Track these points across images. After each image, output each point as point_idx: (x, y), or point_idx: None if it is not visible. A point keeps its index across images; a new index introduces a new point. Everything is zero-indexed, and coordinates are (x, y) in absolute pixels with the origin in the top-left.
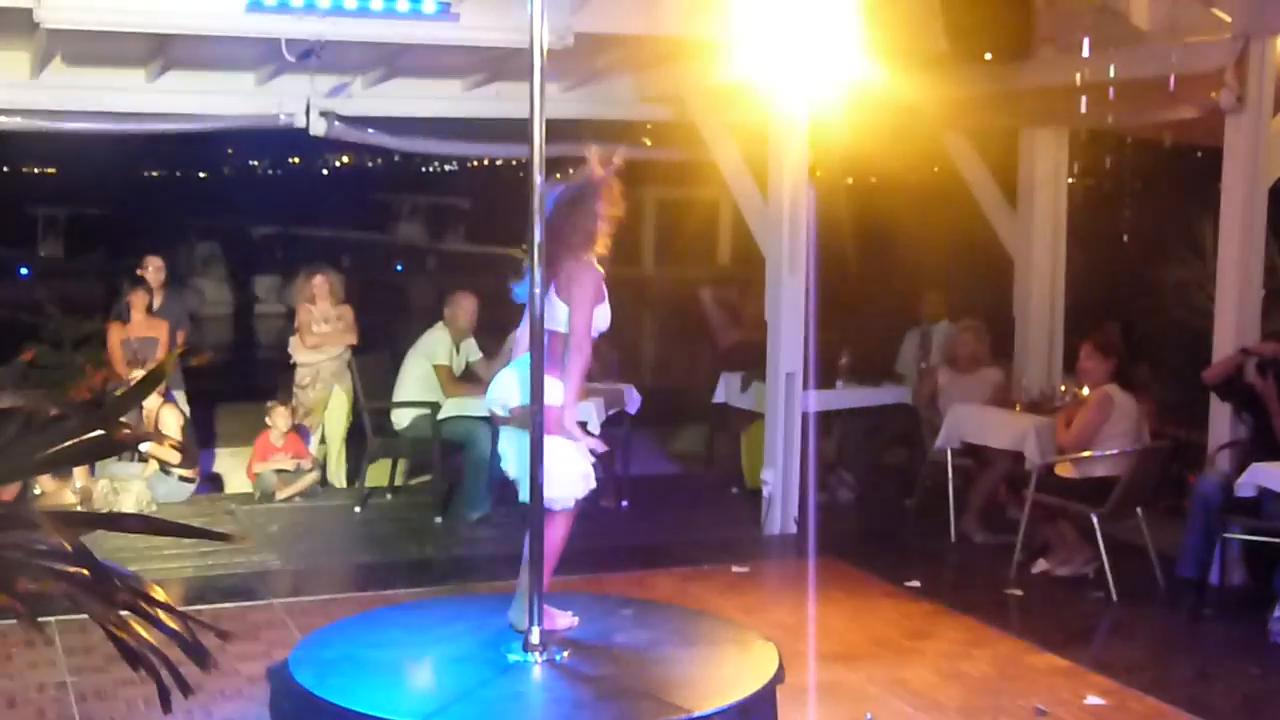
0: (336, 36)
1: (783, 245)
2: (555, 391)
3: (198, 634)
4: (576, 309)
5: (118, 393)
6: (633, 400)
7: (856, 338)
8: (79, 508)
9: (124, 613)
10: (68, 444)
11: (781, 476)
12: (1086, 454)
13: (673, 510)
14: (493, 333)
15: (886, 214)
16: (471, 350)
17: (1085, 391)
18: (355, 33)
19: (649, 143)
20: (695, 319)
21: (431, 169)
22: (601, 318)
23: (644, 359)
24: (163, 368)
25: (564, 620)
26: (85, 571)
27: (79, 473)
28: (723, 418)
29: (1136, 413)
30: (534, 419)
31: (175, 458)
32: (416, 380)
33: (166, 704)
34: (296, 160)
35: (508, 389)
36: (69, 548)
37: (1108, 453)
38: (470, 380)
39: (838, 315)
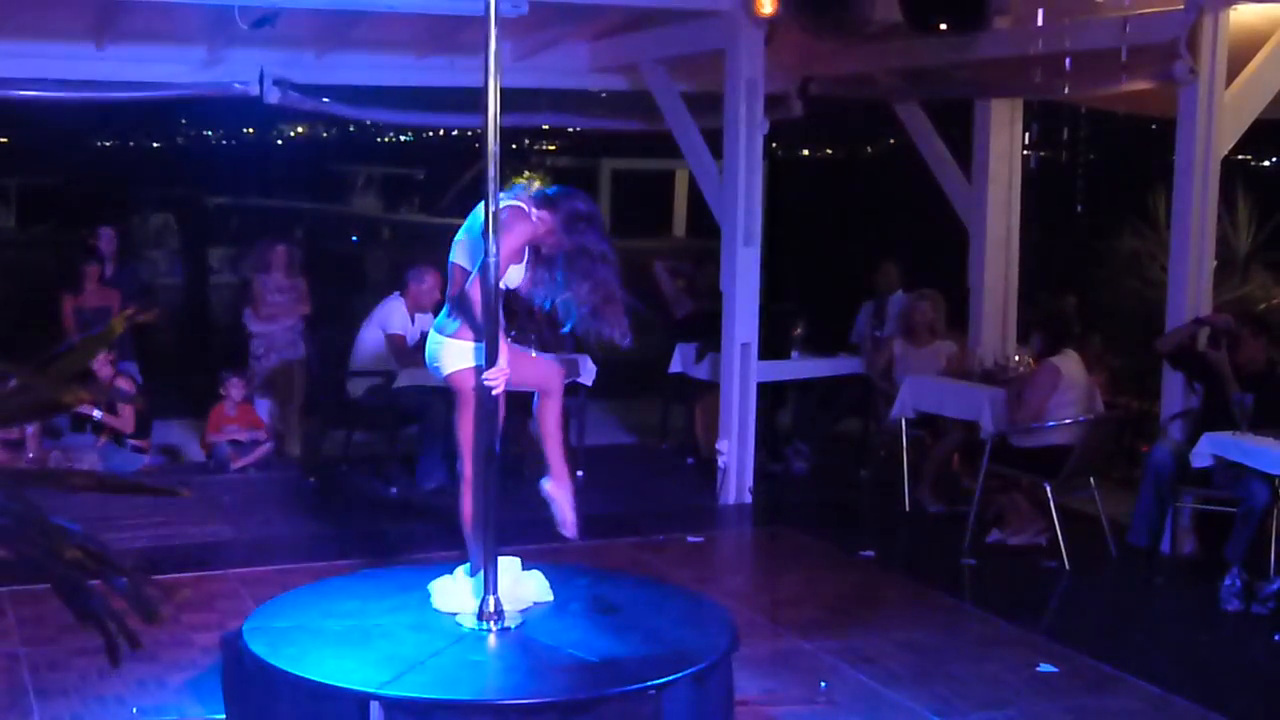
0: (290, 4)
1: (738, 217)
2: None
3: (146, 589)
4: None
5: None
6: (588, 371)
7: (811, 309)
8: None
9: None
10: (12, 403)
11: (736, 447)
12: (1038, 426)
13: (628, 481)
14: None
15: (841, 187)
16: (428, 320)
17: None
18: (309, 0)
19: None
20: (650, 290)
21: (386, 139)
22: (512, 275)
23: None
24: (111, 328)
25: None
26: (33, 528)
27: (31, 443)
28: (678, 388)
29: (1086, 381)
30: (480, 390)
31: (128, 427)
32: (371, 350)
33: (115, 658)
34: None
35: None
36: (15, 505)
37: (1061, 423)
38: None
39: (793, 286)
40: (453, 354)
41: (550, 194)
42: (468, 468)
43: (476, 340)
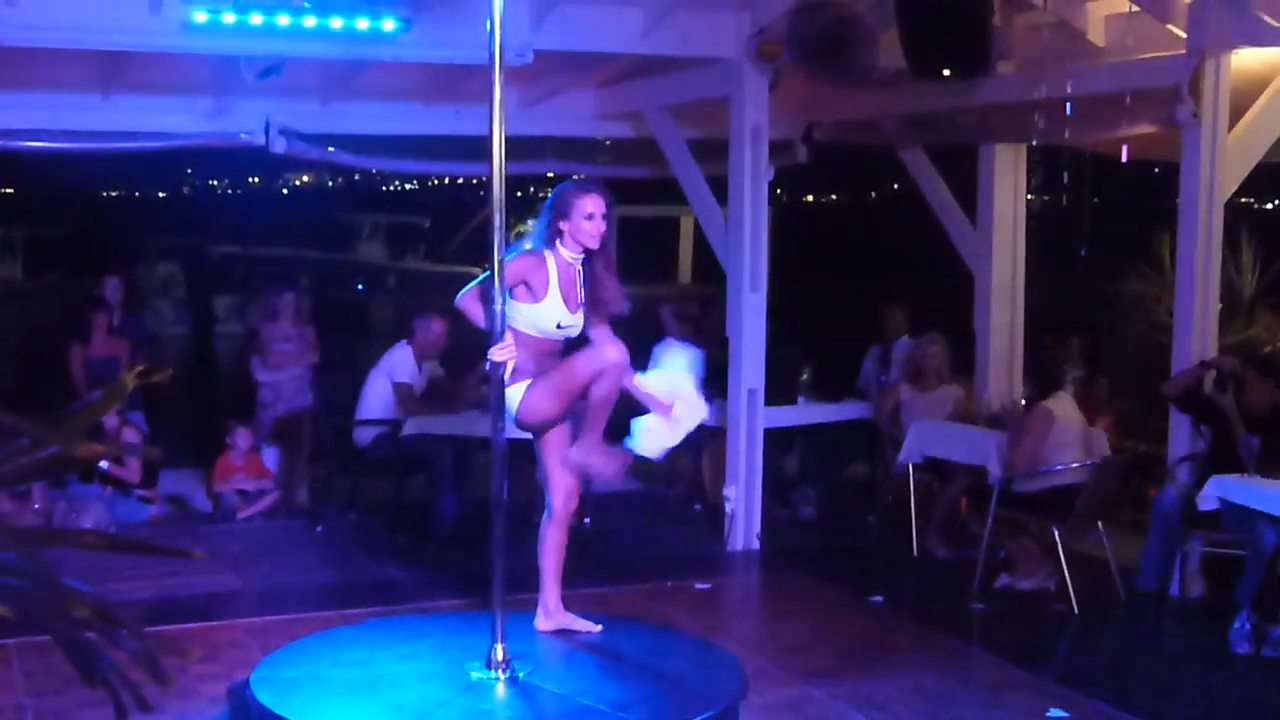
0: (295, 54)
1: (743, 262)
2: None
3: (157, 652)
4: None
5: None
6: None
7: (817, 354)
8: None
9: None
10: (24, 460)
11: (744, 492)
12: (1043, 470)
13: (635, 527)
14: (455, 350)
15: (847, 232)
16: (434, 368)
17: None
18: (314, 50)
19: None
20: (656, 335)
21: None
22: (543, 314)
23: None
24: (122, 384)
25: (583, 625)
26: (44, 589)
27: (38, 493)
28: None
29: (1082, 423)
30: (494, 438)
31: (135, 477)
32: (379, 398)
33: (122, 718)
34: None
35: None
36: (27, 564)
37: (1061, 467)
38: (434, 398)
39: (799, 331)
40: (513, 398)
41: (579, 181)
42: (556, 503)
43: (532, 376)
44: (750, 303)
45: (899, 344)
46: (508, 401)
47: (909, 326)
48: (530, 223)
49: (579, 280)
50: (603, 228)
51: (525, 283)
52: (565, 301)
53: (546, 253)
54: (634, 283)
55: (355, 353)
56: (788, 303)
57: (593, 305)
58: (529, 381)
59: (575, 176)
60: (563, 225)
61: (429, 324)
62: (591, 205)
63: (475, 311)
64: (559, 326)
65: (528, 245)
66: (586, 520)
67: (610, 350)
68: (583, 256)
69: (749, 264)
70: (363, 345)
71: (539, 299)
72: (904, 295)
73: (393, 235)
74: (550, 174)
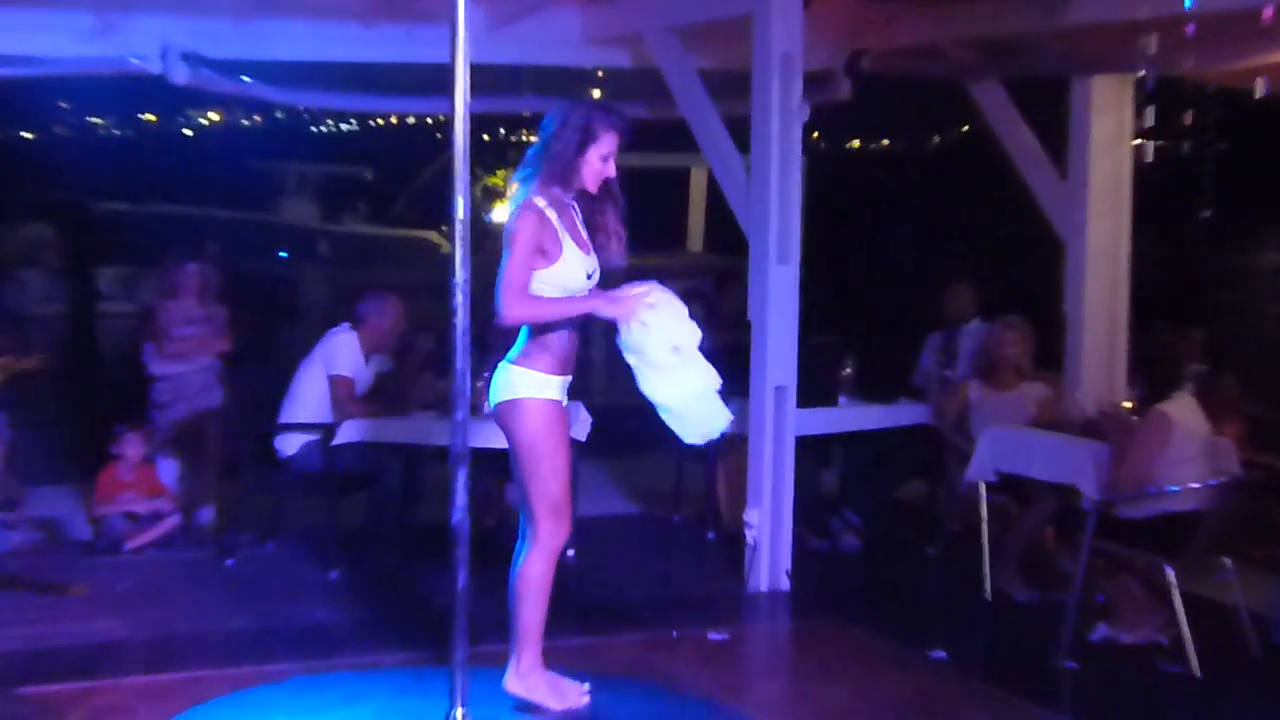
0: None
1: (770, 226)
2: (517, 383)
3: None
4: (507, 256)
5: None
6: (581, 423)
7: (862, 343)
8: None
9: None
10: None
11: (769, 518)
12: (1153, 491)
13: (632, 561)
14: (406, 338)
15: (902, 186)
16: (381, 360)
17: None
18: None
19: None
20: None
21: (324, 129)
22: (568, 272)
23: (595, 370)
24: None
25: (574, 695)
26: None
27: None
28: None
29: (1208, 434)
30: (455, 432)
31: None
32: (310, 397)
33: None
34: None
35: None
36: None
37: (1181, 487)
38: (378, 398)
39: (841, 314)
40: (529, 384)
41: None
42: (542, 530)
43: (562, 373)
44: (778, 278)
45: (967, 330)
46: (502, 386)
47: (980, 308)
48: (504, 175)
49: (576, 218)
50: (613, 173)
51: (540, 249)
52: (580, 248)
53: (537, 200)
54: (632, 253)
55: (277, 339)
56: (826, 278)
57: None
58: (542, 376)
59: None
60: (591, 153)
61: (384, 306)
62: (611, 144)
63: (540, 310)
64: (588, 277)
65: (515, 188)
66: (570, 552)
67: None
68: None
69: (776, 228)
70: (287, 329)
71: (555, 259)
72: (974, 268)
73: (326, 190)
74: (526, 113)
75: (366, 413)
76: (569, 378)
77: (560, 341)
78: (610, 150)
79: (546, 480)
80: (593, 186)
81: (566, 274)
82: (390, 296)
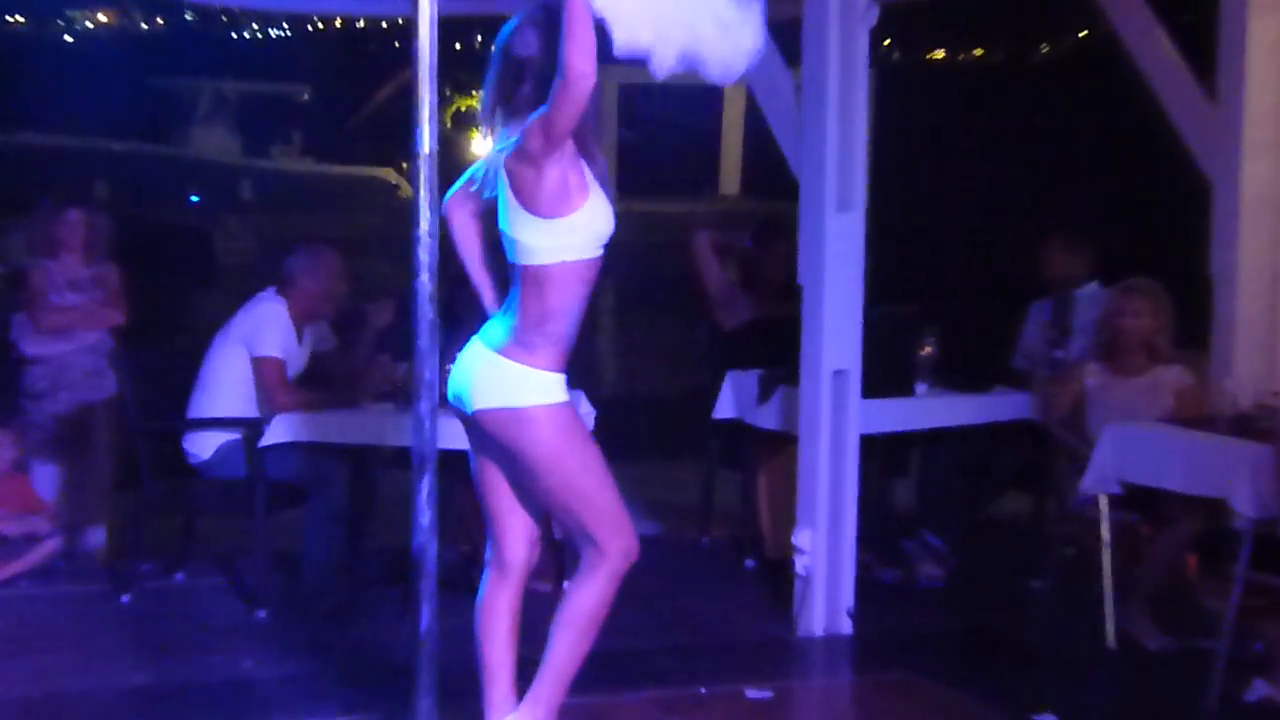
0: None
1: (826, 163)
2: (525, 385)
3: None
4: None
5: None
6: (585, 416)
7: (947, 315)
8: None
9: None
10: None
11: (826, 541)
12: None
13: (650, 596)
14: (351, 305)
15: (999, 110)
16: (321, 335)
17: None
18: None
19: None
20: (684, 283)
21: (248, 35)
22: (596, 218)
23: (601, 350)
24: None
25: None
26: None
27: None
28: (730, 445)
29: None
30: (419, 429)
31: None
32: (230, 384)
33: None
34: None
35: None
36: None
37: None
38: (319, 385)
39: (918, 277)
40: (537, 388)
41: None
42: (508, 553)
43: (564, 368)
44: (838, 230)
45: (1083, 297)
46: (495, 387)
47: (1100, 268)
48: (478, 95)
49: None
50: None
51: (567, 180)
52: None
53: None
54: (647, 195)
55: (187, 309)
56: (899, 229)
57: None
58: (549, 376)
59: None
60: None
61: (315, 261)
62: None
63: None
64: (609, 234)
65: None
66: (567, 584)
67: None
68: None
69: (835, 166)
70: (200, 296)
71: (585, 198)
72: (1092, 216)
73: (249, 114)
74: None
75: (303, 404)
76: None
77: (568, 328)
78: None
79: (593, 496)
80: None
81: (595, 220)
82: (323, 248)
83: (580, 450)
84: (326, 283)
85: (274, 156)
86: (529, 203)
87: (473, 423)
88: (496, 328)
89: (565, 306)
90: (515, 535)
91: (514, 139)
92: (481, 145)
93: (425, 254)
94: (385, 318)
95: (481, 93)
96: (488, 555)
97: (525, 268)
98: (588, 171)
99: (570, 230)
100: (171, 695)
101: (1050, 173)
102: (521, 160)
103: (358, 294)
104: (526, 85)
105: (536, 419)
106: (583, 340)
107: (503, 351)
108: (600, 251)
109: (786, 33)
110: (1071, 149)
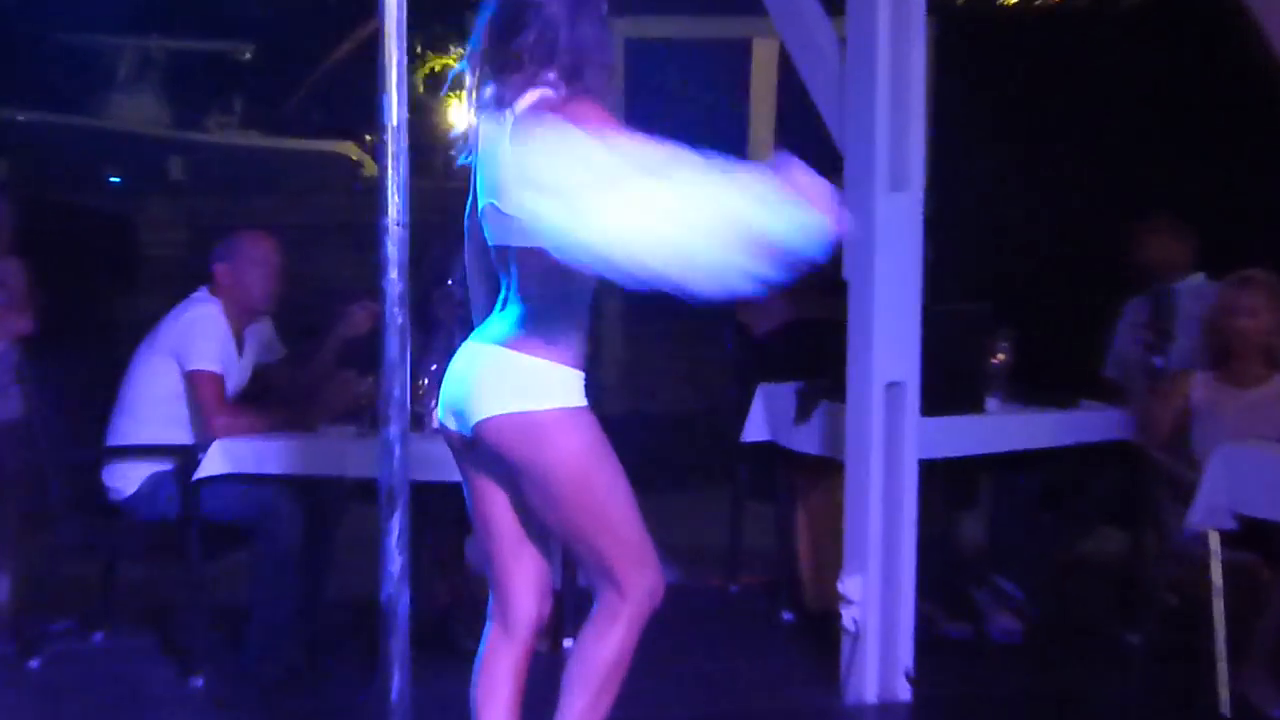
0: None
1: (876, 132)
2: (544, 383)
3: None
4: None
5: None
6: None
7: (1023, 315)
8: None
9: None
10: None
11: (879, 589)
12: None
13: (669, 657)
14: (305, 308)
15: (1083, 65)
16: (266, 343)
17: None
18: None
19: None
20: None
21: None
22: None
23: (604, 358)
24: None
25: None
26: None
27: None
28: (761, 473)
29: None
30: (387, 458)
31: None
32: (158, 403)
33: None
34: None
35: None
36: None
37: None
38: (264, 403)
39: (986, 271)
40: (561, 386)
41: None
42: (518, 610)
43: (581, 367)
44: (891, 212)
45: (1185, 292)
46: (507, 388)
47: (1205, 259)
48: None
49: None
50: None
51: None
52: None
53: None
54: None
55: (107, 314)
56: (963, 212)
57: None
58: (572, 374)
59: None
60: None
61: (247, 251)
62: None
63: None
64: None
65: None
66: (569, 642)
67: None
68: None
69: (887, 136)
70: (122, 299)
71: None
72: (1196, 197)
73: (182, 78)
74: None
75: (247, 428)
76: None
77: (587, 316)
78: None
79: (618, 524)
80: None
81: None
82: (256, 236)
83: (607, 467)
84: (262, 277)
85: (210, 128)
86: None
87: (472, 444)
88: (498, 324)
89: (585, 292)
90: (523, 584)
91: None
92: (462, 113)
93: (395, 247)
94: (358, 328)
95: (469, 45)
96: (490, 607)
97: (535, 251)
98: None
99: None
100: None
101: (1146, 143)
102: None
103: (315, 294)
104: (530, 32)
105: (559, 425)
106: (589, 347)
107: (513, 345)
108: None
109: None
110: (1171, 114)
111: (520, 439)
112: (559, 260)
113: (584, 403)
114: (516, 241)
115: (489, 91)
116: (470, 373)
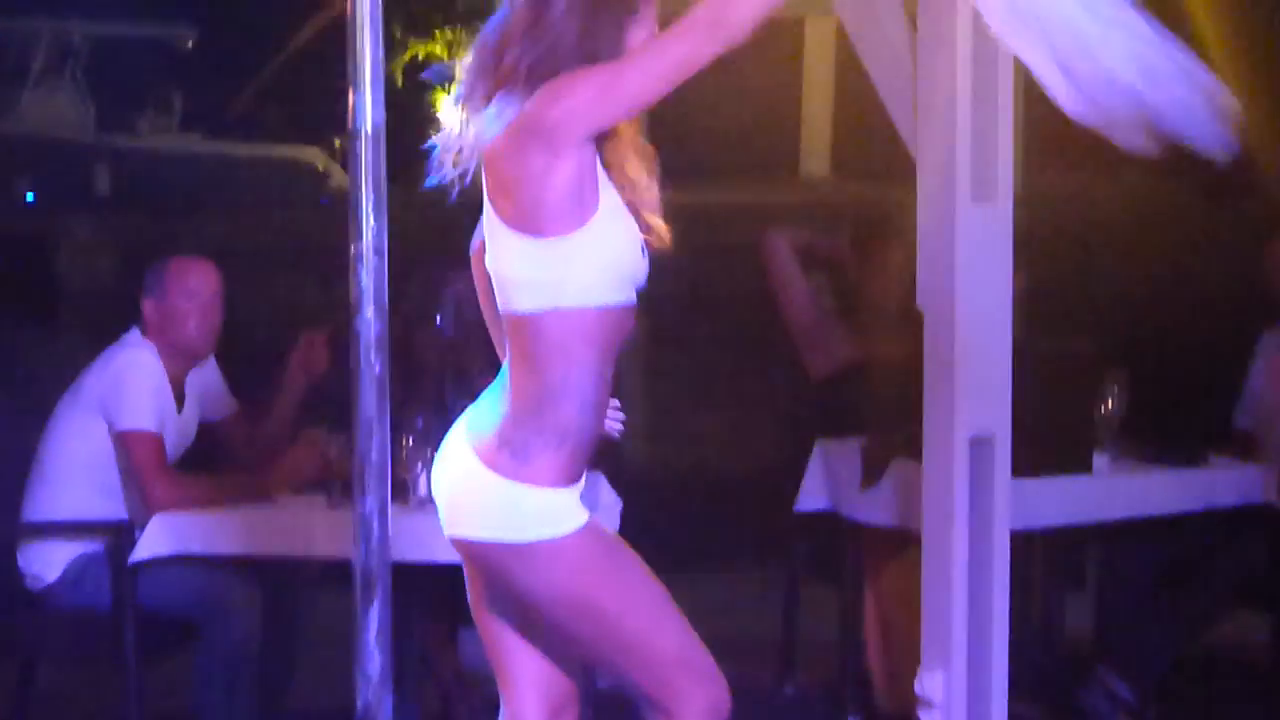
0: None
1: (957, 135)
2: (519, 514)
3: None
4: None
5: None
6: (605, 507)
7: (1136, 354)
8: None
9: None
10: None
11: (965, 688)
12: None
13: None
14: (260, 350)
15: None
16: (211, 394)
17: None
18: None
19: None
20: (756, 309)
21: None
22: (616, 237)
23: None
24: None
25: None
26: None
27: None
28: (821, 549)
29: None
30: (364, 536)
31: None
32: (87, 472)
33: None
34: None
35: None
36: None
37: None
38: (212, 468)
39: (1092, 300)
40: (543, 513)
41: None
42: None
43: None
44: (974, 230)
45: None
46: (479, 509)
47: None
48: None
49: None
50: None
51: (577, 190)
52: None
53: None
54: (697, 182)
55: (20, 359)
56: (1062, 227)
57: None
58: (560, 496)
59: None
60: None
61: (185, 281)
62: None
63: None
64: (637, 269)
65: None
66: None
67: None
68: None
69: (968, 139)
70: (38, 341)
71: (594, 210)
72: None
73: (107, 70)
74: None
75: (191, 499)
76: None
77: (579, 417)
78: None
79: (647, 642)
80: None
81: (610, 248)
82: (190, 263)
83: (615, 583)
84: (200, 313)
85: (143, 132)
86: (519, 212)
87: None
88: (485, 410)
89: (570, 383)
90: (534, 691)
91: (506, 111)
92: (451, 111)
93: (370, 279)
94: (315, 365)
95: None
96: (501, 716)
97: (508, 317)
98: (605, 178)
99: (568, 257)
100: None
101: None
102: (521, 142)
103: (271, 333)
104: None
105: (544, 555)
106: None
107: (486, 457)
108: (624, 298)
109: None
110: None
111: (500, 568)
112: (543, 343)
113: (575, 524)
114: (501, 305)
115: (492, 109)
116: (445, 474)
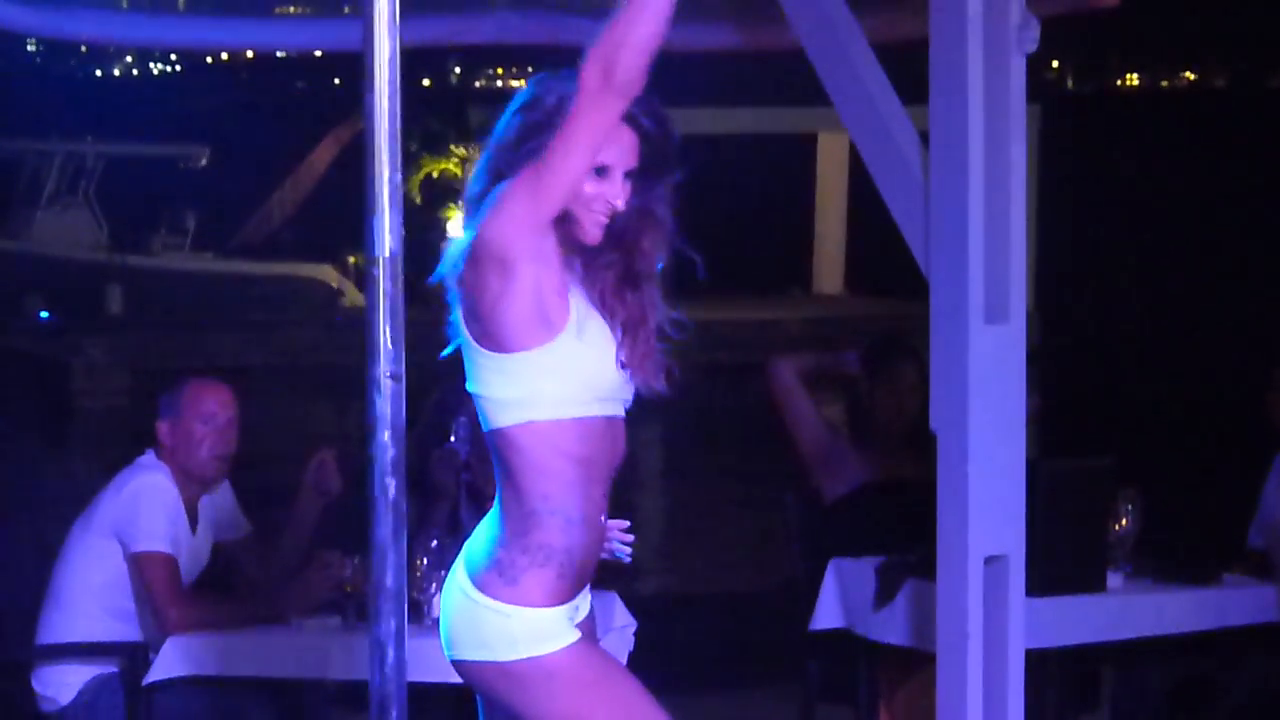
0: None
1: (969, 253)
2: (507, 635)
3: None
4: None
5: None
6: (617, 633)
7: (1150, 472)
8: None
9: None
10: None
11: None
12: None
13: None
14: (273, 470)
15: (1215, 156)
16: (226, 516)
17: None
18: None
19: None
20: (765, 430)
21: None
22: (586, 356)
23: (643, 529)
24: None
25: None
26: None
27: None
28: (836, 668)
29: None
30: (378, 658)
31: None
32: (102, 595)
33: None
34: None
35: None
36: None
37: None
38: (227, 590)
39: (1105, 417)
40: (529, 634)
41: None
42: None
43: (578, 590)
44: (987, 349)
45: None
46: (467, 630)
47: None
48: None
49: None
50: (619, 201)
51: (537, 308)
52: (604, 316)
53: None
54: (709, 300)
55: (34, 480)
56: (1076, 343)
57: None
58: (547, 616)
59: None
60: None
61: (197, 404)
62: (619, 148)
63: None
64: (621, 368)
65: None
66: None
67: None
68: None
69: (981, 258)
70: (51, 462)
71: (558, 329)
72: None
73: (120, 188)
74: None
75: (206, 621)
76: (585, 590)
77: (566, 534)
78: (614, 159)
79: None
80: (591, 235)
81: (584, 356)
82: (203, 386)
83: (608, 703)
84: (212, 437)
85: (156, 251)
86: (484, 330)
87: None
88: (481, 534)
89: (552, 500)
90: None
91: (466, 237)
92: (460, 229)
93: (386, 403)
94: (328, 483)
95: (475, 165)
96: None
97: (490, 436)
98: (577, 294)
99: (537, 373)
100: None
101: None
102: (477, 264)
103: (285, 452)
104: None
105: (529, 676)
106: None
107: (479, 581)
108: (601, 411)
109: (905, 60)
110: None
111: (495, 688)
112: (520, 460)
113: (564, 643)
114: (484, 424)
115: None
116: (444, 600)
